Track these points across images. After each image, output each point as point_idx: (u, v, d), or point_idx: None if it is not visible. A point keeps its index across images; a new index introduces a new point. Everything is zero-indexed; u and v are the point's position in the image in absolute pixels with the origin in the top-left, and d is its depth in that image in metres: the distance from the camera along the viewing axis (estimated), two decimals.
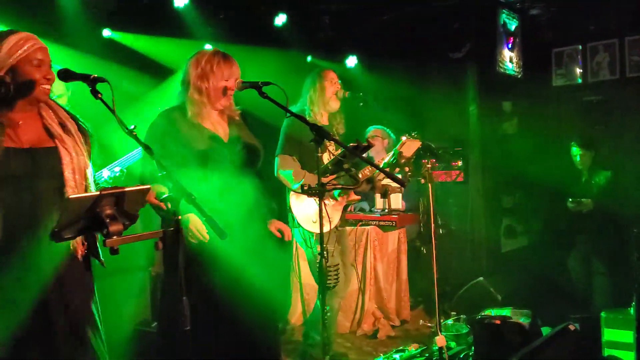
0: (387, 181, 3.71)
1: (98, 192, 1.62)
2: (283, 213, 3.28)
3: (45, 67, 1.96)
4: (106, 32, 4.73)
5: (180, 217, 1.78)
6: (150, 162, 2.18)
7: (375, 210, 4.84)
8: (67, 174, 1.97)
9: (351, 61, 6.09)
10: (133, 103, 4.43)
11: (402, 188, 3.94)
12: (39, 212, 1.90)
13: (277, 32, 5.71)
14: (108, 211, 1.64)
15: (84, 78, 1.90)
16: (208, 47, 5.25)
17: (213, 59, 2.64)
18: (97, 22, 4.57)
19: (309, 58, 6.11)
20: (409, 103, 5.59)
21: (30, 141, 1.99)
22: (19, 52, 1.93)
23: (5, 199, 1.87)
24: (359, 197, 3.71)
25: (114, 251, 1.63)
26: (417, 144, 3.42)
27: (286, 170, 3.38)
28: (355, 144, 2.51)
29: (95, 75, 1.89)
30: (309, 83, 3.60)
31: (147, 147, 1.87)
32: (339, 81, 3.62)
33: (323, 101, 3.53)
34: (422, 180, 3.42)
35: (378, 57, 5.76)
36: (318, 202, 2.42)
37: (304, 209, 3.36)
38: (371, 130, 4.78)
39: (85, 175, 2.04)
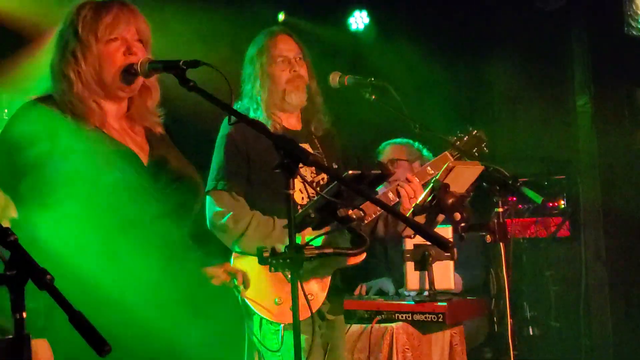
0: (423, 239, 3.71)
1: None
2: None
3: None
4: None
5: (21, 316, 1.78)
6: None
7: (407, 293, 4.83)
8: None
9: (358, 20, 6.19)
10: None
11: (452, 253, 3.94)
12: None
13: None
14: None
15: None
16: None
17: (97, 17, 2.72)
18: None
19: (280, 16, 6.19)
20: (460, 94, 5.65)
21: None
22: None
23: None
24: (359, 259, 3.68)
25: None
26: (476, 169, 3.46)
27: (225, 216, 3.49)
28: (359, 172, 2.53)
29: None
30: (247, 62, 3.72)
31: None
32: (300, 54, 3.69)
33: (273, 96, 3.63)
34: (489, 238, 3.43)
35: (403, 13, 5.86)
36: (290, 279, 2.43)
37: (255, 281, 3.36)
38: (389, 147, 4.84)
39: None
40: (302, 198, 3.53)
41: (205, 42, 5.29)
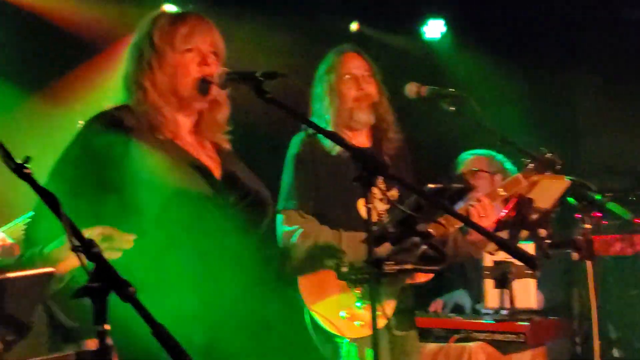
0: (504, 255, 3.68)
1: None
2: None
3: None
4: None
5: (104, 328, 1.82)
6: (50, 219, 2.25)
7: (485, 311, 4.80)
8: None
9: (434, 29, 6.19)
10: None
11: (536, 271, 3.90)
12: None
13: None
14: None
15: None
16: (168, 8, 5.49)
17: (173, 27, 2.78)
18: None
19: (353, 26, 6.22)
20: (541, 106, 5.60)
21: None
22: None
23: None
24: (428, 277, 3.67)
25: None
26: (562, 183, 3.44)
27: (294, 235, 3.52)
28: (440, 186, 2.53)
29: None
30: (318, 81, 3.75)
31: (49, 197, 1.93)
32: (369, 71, 3.70)
33: (341, 114, 3.65)
34: (576, 255, 3.39)
35: (482, 21, 5.84)
36: (359, 296, 2.44)
37: (325, 293, 3.43)
38: (468, 159, 4.81)
39: None
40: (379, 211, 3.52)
41: (278, 56, 5.35)
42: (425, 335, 4.33)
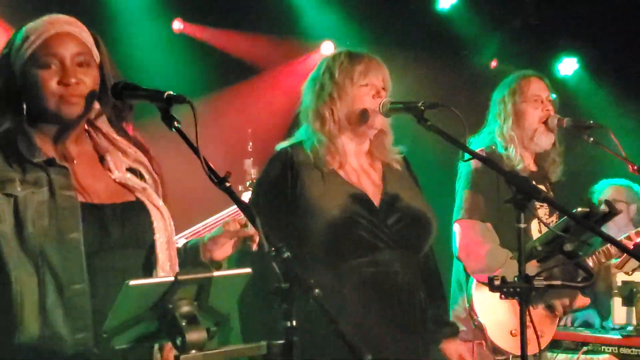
0: (636, 276, 3.58)
1: (172, 278, 1.72)
2: None
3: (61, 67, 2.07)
4: (178, 25, 5.27)
5: (292, 324, 1.83)
6: None
7: (613, 327, 4.63)
8: (161, 249, 2.13)
9: (568, 66, 6.05)
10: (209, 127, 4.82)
11: None
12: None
13: (439, 21, 5.89)
14: (185, 308, 1.73)
15: (154, 97, 2.05)
16: (327, 47, 5.62)
17: (351, 64, 2.87)
18: (164, 11, 5.08)
19: (493, 63, 6.17)
20: None
21: (97, 193, 2.15)
22: (24, 48, 2.09)
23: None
24: (587, 301, 3.58)
25: None
26: None
27: (479, 246, 3.41)
28: (588, 209, 2.46)
29: (171, 93, 2.03)
30: (497, 102, 3.65)
31: (248, 210, 1.97)
32: (552, 96, 3.59)
33: (523, 134, 3.56)
34: None
35: (617, 58, 5.67)
36: (519, 307, 2.39)
37: (495, 308, 3.35)
38: (608, 187, 4.65)
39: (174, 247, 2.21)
40: (537, 231, 3.44)
41: (417, 90, 5.37)
42: (556, 345, 4.22)
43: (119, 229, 2.11)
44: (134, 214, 2.14)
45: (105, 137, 2.20)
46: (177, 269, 2.17)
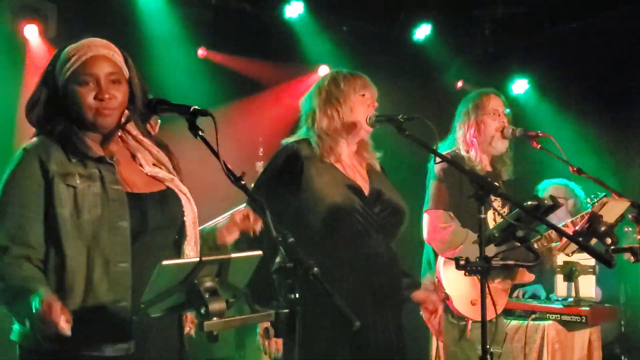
0: (574, 257, 3.56)
1: (197, 258, 1.72)
2: None
3: (97, 85, 2.08)
4: (202, 52, 5.27)
5: (295, 296, 1.82)
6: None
7: (556, 299, 4.63)
8: (189, 227, 2.15)
9: (520, 86, 6.04)
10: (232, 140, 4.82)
11: (595, 270, 3.75)
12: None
13: (416, 49, 5.89)
14: (208, 283, 1.73)
15: (182, 110, 2.05)
16: (323, 70, 5.63)
17: (353, 78, 2.87)
18: (190, 39, 5.09)
19: (459, 84, 6.17)
20: (610, 147, 5.36)
21: (136, 184, 2.16)
22: (66, 67, 2.09)
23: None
24: (532, 277, 3.56)
25: (212, 338, 1.70)
26: (623, 204, 3.28)
27: (443, 230, 3.37)
28: (536, 203, 2.46)
29: (197, 107, 2.04)
30: (461, 114, 3.62)
31: (257, 201, 1.97)
32: (507, 111, 3.59)
33: (482, 141, 3.53)
34: (632, 259, 3.23)
35: (560, 79, 5.66)
36: (480, 282, 2.38)
37: (458, 282, 3.33)
38: (549, 187, 4.64)
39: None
40: (492, 220, 3.42)
41: (397, 106, 5.36)
42: (509, 314, 4.23)
43: (159, 213, 2.12)
44: (168, 199, 2.17)
45: (134, 139, 2.22)
46: (198, 245, 2.20)
